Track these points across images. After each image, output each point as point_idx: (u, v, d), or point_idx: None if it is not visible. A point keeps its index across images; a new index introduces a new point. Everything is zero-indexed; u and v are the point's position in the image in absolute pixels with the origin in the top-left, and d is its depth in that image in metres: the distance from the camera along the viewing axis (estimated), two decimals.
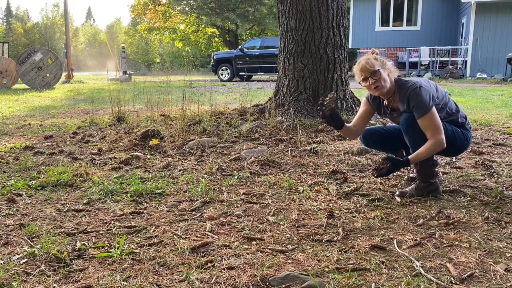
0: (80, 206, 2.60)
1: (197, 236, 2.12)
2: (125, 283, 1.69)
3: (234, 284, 1.67)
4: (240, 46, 19.65)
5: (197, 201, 2.61)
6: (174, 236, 2.13)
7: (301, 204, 2.56)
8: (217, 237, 2.11)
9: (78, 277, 1.75)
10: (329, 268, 1.77)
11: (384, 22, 19.46)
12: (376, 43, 19.10)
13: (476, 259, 1.83)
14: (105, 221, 2.35)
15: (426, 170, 2.59)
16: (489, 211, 2.36)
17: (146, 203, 2.64)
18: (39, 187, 2.95)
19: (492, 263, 1.79)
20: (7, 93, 11.97)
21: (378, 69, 2.47)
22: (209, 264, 1.83)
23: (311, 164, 3.42)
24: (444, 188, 2.73)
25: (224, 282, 1.68)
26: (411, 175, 2.92)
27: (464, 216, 2.32)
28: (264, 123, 4.60)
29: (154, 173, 3.28)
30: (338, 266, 1.78)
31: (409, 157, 2.51)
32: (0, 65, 14.39)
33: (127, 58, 21.95)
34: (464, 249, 1.93)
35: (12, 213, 2.49)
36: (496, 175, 3.02)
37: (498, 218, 2.25)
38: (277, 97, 5.19)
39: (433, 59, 17.17)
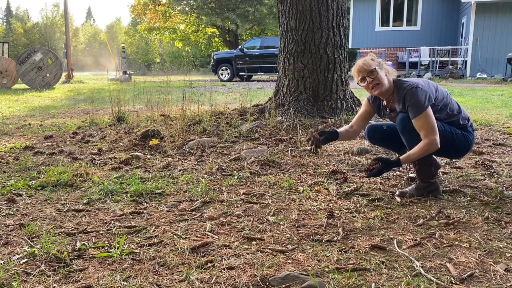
0: (80, 206, 2.60)
1: (197, 236, 2.12)
2: (125, 283, 1.69)
3: (234, 284, 1.67)
4: (240, 46, 19.66)
5: (197, 201, 2.61)
6: (174, 236, 2.13)
7: (301, 204, 2.56)
8: (217, 237, 2.11)
9: (78, 277, 1.75)
10: (329, 268, 1.77)
11: (384, 22, 19.46)
12: (376, 43, 19.11)
13: (476, 259, 1.83)
14: (105, 221, 2.35)
15: (425, 170, 2.59)
16: (489, 211, 2.36)
17: (146, 203, 2.64)
18: (39, 187, 2.95)
19: (492, 263, 1.79)
20: (7, 93, 11.98)
21: (375, 68, 2.50)
22: (209, 264, 1.83)
23: (311, 164, 3.42)
24: (444, 188, 2.73)
25: (224, 282, 1.68)
26: (411, 175, 2.92)
27: (464, 216, 2.32)
28: (264, 123, 4.60)
29: (154, 173, 3.28)
30: (338, 266, 1.78)
31: (401, 157, 2.52)
32: (0, 65, 14.39)
33: (127, 58, 21.94)
34: (464, 249, 1.93)
35: (12, 213, 2.49)
36: (496, 175, 3.02)
37: (498, 218, 2.25)
38: (277, 97, 5.19)
39: (433, 59, 17.17)
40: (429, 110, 2.43)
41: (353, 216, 2.35)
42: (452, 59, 17.33)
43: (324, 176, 3.10)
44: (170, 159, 3.71)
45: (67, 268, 1.81)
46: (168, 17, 33.17)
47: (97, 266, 1.83)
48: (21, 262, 1.87)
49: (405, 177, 2.98)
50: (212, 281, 1.69)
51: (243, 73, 18.04)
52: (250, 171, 3.26)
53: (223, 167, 3.37)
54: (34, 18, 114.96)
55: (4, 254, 1.96)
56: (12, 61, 14.82)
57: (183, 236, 2.12)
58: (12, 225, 2.30)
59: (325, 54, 4.88)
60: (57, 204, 2.64)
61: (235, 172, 3.26)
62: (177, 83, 14.47)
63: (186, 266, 1.81)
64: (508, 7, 15.99)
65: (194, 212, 2.46)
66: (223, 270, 1.77)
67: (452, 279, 1.67)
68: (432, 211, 2.38)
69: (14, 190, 2.89)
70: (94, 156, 3.82)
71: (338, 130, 2.77)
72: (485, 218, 2.26)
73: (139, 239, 2.11)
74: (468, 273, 1.70)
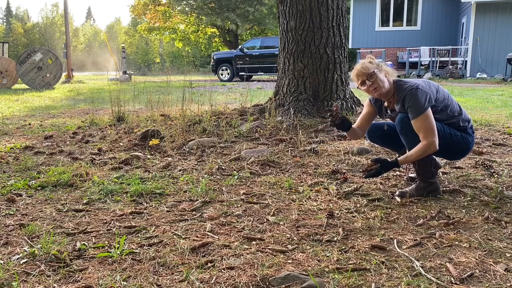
0: (80, 206, 2.60)
1: (197, 236, 2.12)
2: (125, 283, 1.69)
3: (234, 284, 1.67)
4: (240, 46, 19.66)
5: (197, 201, 2.61)
6: (174, 236, 2.13)
7: (301, 204, 2.56)
8: (217, 237, 2.11)
9: (78, 277, 1.75)
10: (329, 268, 1.77)
11: (384, 22, 19.46)
12: (376, 43, 19.12)
13: (476, 259, 1.83)
14: (105, 221, 2.35)
15: (425, 170, 2.59)
16: (489, 211, 2.35)
17: (146, 203, 2.64)
18: (39, 187, 2.95)
19: (492, 263, 1.79)
20: (7, 93, 11.97)
21: (373, 71, 2.50)
22: (209, 264, 1.83)
23: (311, 164, 3.42)
24: (444, 188, 2.73)
25: (224, 282, 1.68)
26: (411, 175, 2.92)
27: (464, 216, 2.32)
28: (264, 123, 4.60)
29: (154, 173, 3.28)
30: (338, 266, 1.78)
31: (399, 158, 2.52)
32: (0, 65, 14.39)
33: (127, 58, 21.95)
34: (464, 249, 1.93)
35: (12, 213, 2.49)
36: (496, 175, 3.02)
37: (498, 218, 2.25)
38: (277, 97, 5.19)
39: (433, 59, 17.17)
40: (429, 111, 2.43)
41: (353, 216, 2.35)
42: (452, 59, 17.33)
43: (324, 176, 3.10)
44: (170, 159, 3.71)
45: (67, 268, 1.81)
46: (168, 17, 33.18)
47: (97, 266, 1.83)
48: (21, 262, 1.87)
49: (405, 177, 2.98)
50: (212, 281, 1.69)
51: (243, 73, 18.03)
52: (250, 171, 3.26)
53: (223, 167, 3.37)
54: (34, 18, 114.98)
55: (4, 254, 1.96)
56: (12, 61, 14.81)
57: (183, 236, 2.12)
58: (12, 225, 2.30)
59: (325, 54, 4.88)
60: (57, 204, 2.64)
61: (235, 172, 3.26)
62: (177, 83, 14.47)
63: (186, 266, 1.81)
64: (508, 7, 15.99)
65: (194, 212, 2.46)
66: (223, 270, 1.77)
67: (452, 279, 1.67)
68: (432, 211, 2.38)
69: (14, 190, 2.89)
70: (94, 156, 3.82)
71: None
72: (485, 218, 2.26)
73: (139, 239, 2.11)
74: (468, 273, 1.70)
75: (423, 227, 2.18)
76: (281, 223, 2.28)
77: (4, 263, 1.87)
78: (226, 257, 1.89)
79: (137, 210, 2.48)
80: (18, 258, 1.90)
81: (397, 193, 2.65)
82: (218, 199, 2.67)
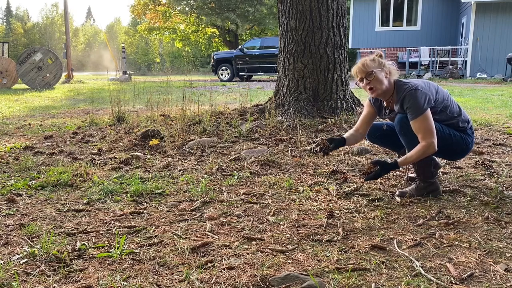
0: (80, 206, 2.60)
1: (197, 236, 2.12)
2: (125, 283, 1.69)
3: (234, 284, 1.67)
4: (240, 46, 19.66)
5: (197, 201, 2.61)
6: (174, 236, 2.13)
7: (301, 204, 2.56)
8: (217, 237, 2.11)
9: (78, 277, 1.75)
10: (329, 268, 1.77)
11: (384, 22, 19.46)
12: (376, 43, 19.12)
13: (476, 259, 1.83)
14: (105, 221, 2.35)
15: (425, 170, 2.59)
16: (489, 211, 2.35)
17: (146, 203, 2.64)
18: (39, 187, 2.95)
19: (492, 263, 1.79)
20: (7, 93, 11.98)
21: (372, 71, 2.49)
22: (209, 264, 1.82)
23: (311, 164, 3.42)
24: (444, 188, 2.73)
25: (224, 282, 1.68)
26: (410, 175, 2.92)
27: (464, 216, 2.32)
28: (264, 123, 4.60)
29: (154, 173, 3.28)
30: (338, 266, 1.78)
31: (398, 160, 2.52)
32: (0, 65, 14.39)
33: (127, 58, 21.95)
34: (464, 249, 1.93)
35: (12, 213, 2.49)
36: (496, 175, 3.02)
37: (498, 218, 2.25)
38: (277, 97, 5.19)
39: (433, 59, 17.17)
40: (428, 112, 2.42)
41: (353, 216, 2.35)
42: (452, 59, 17.33)
43: (324, 176, 3.10)
44: (170, 159, 3.71)
45: (67, 268, 1.81)
46: (168, 17, 33.18)
47: (97, 266, 1.83)
48: (21, 262, 1.87)
49: (405, 177, 2.98)
50: (212, 281, 1.69)
51: (243, 73, 18.04)
52: (250, 171, 3.26)
53: (223, 167, 3.37)
54: (34, 18, 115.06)
55: (4, 254, 1.96)
56: (12, 61, 14.81)
57: (183, 236, 2.12)
58: (12, 225, 2.30)
59: (325, 54, 4.88)
60: (57, 204, 2.64)
61: (235, 172, 3.26)
62: (177, 83, 14.47)
63: (186, 266, 1.81)
64: (508, 7, 15.99)
65: (194, 212, 2.46)
66: (223, 270, 1.77)
67: (452, 279, 1.67)
68: (432, 211, 2.38)
69: (14, 190, 2.89)
70: (94, 156, 3.82)
71: (344, 136, 2.76)
72: (485, 218, 2.26)
73: (139, 239, 2.11)
74: (468, 273, 1.70)
75: (423, 227, 2.18)
76: (281, 223, 2.28)
77: (4, 263, 1.87)
78: (226, 257, 1.89)
79: (137, 210, 2.48)
80: (18, 258, 1.90)
81: (397, 193, 2.65)
82: (218, 199, 2.67)
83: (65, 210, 2.53)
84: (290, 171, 3.29)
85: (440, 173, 3.05)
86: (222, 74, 18.65)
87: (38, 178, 3.18)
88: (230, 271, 1.77)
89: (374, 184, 2.89)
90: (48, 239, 2.06)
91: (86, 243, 2.05)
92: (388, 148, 3.07)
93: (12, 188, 2.94)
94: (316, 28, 4.82)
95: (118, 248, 1.96)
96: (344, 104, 4.96)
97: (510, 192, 2.66)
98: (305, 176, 3.14)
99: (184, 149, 3.99)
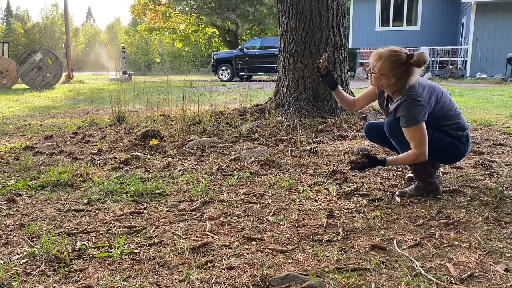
0: (80, 206, 2.60)
1: (197, 236, 2.12)
2: (125, 283, 1.69)
3: (234, 284, 1.67)
4: (240, 46, 19.66)
5: (197, 201, 2.61)
6: (174, 236, 2.13)
7: (301, 204, 2.56)
8: (217, 237, 2.11)
9: (78, 277, 1.75)
10: (329, 268, 1.77)
11: (384, 22, 19.47)
12: (376, 43, 19.10)
13: (476, 259, 1.83)
14: (105, 221, 2.35)
15: (422, 170, 2.58)
16: (489, 211, 2.36)
17: (146, 203, 2.64)
18: (39, 187, 2.95)
19: (492, 263, 1.79)
20: (7, 93, 11.98)
21: (372, 68, 2.50)
22: (209, 264, 1.82)
23: (311, 164, 3.42)
24: (444, 188, 2.73)
25: (224, 282, 1.68)
26: (410, 175, 2.92)
27: (464, 216, 2.32)
28: (264, 123, 4.60)
29: (154, 173, 3.28)
30: (338, 266, 1.78)
31: (388, 158, 2.53)
32: (0, 65, 14.40)
33: (127, 58, 21.95)
34: (464, 249, 1.93)
35: (12, 213, 2.49)
36: (496, 175, 3.02)
37: (498, 218, 2.25)
38: (277, 97, 5.19)
39: (433, 59, 17.17)
40: (422, 124, 2.41)
41: (353, 216, 2.35)
42: (452, 59, 17.34)
43: (324, 176, 3.10)
44: (170, 159, 3.71)
45: (67, 268, 1.81)
46: (168, 17, 33.18)
47: (97, 266, 1.83)
48: (21, 262, 1.87)
49: (405, 177, 2.98)
50: (212, 281, 1.69)
51: (243, 73, 18.04)
52: (250, 171, 3.26)
53: (223, 167, 3.37)
54: (34, 18, 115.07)
55: (4, 254, 1.96)
56: (12, 61, 14.82)
57: (183, 236, 2.12)
58: (12, 225, 2.30)
59: None
60: (57, 204, 2.64)
61: (235, 172, 3.26)
62: (177, 83, 14.47)
63: (186, 266, 1.81)
64: (508, 7, 15.99)
65: (194, 212, 2.46)
66: (223, 270, 1.77)
67: (452, 279, 1.67)
68: (432, 211, 2.38)
69: (14, 190, 2.89)
70: (94, 156, 3.82)
71: (340, 88, 2.82)
72: (485, 218, 2.26)
73: (139, 239, 2.11)
74: (468, 273, 1.70)
75: (423, 227, 2.18)
76: (281, 223, 2.28)
77: (4, 263, 1.87)
78: (226, 257, 1.89)
79: (137, 210, 2.48)
80: (18, 258, 1.90)
81: (397, 193, 2.65)
82: (218, 199, 2.67)
83: (65, 210, 2.53)
84: (290, 171, 3.29)
85: (440, 173, 3.05)
86: (222, 74, 18.65)
87: (38, 178, 3.18)
88: (230, 271, 1.77)
89: (374, 184, 2.89)
90: (48, 239, 2.06)
91: (86, 243, 2.05)
92: (387, 147, 3.05)
93: (12, 188, 2.94)
94: (316, 28, 4.82)
95: (118, 248, 1.96)
96: None
97: (510, 192, 2.66)
98: (305, 176, 3.14)
99: (184, 149, 3.99)
